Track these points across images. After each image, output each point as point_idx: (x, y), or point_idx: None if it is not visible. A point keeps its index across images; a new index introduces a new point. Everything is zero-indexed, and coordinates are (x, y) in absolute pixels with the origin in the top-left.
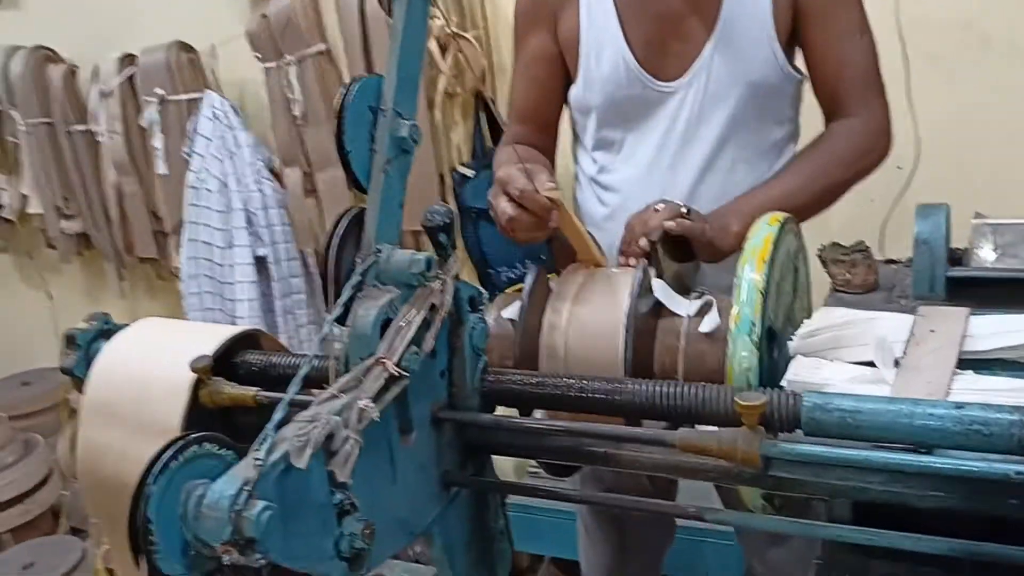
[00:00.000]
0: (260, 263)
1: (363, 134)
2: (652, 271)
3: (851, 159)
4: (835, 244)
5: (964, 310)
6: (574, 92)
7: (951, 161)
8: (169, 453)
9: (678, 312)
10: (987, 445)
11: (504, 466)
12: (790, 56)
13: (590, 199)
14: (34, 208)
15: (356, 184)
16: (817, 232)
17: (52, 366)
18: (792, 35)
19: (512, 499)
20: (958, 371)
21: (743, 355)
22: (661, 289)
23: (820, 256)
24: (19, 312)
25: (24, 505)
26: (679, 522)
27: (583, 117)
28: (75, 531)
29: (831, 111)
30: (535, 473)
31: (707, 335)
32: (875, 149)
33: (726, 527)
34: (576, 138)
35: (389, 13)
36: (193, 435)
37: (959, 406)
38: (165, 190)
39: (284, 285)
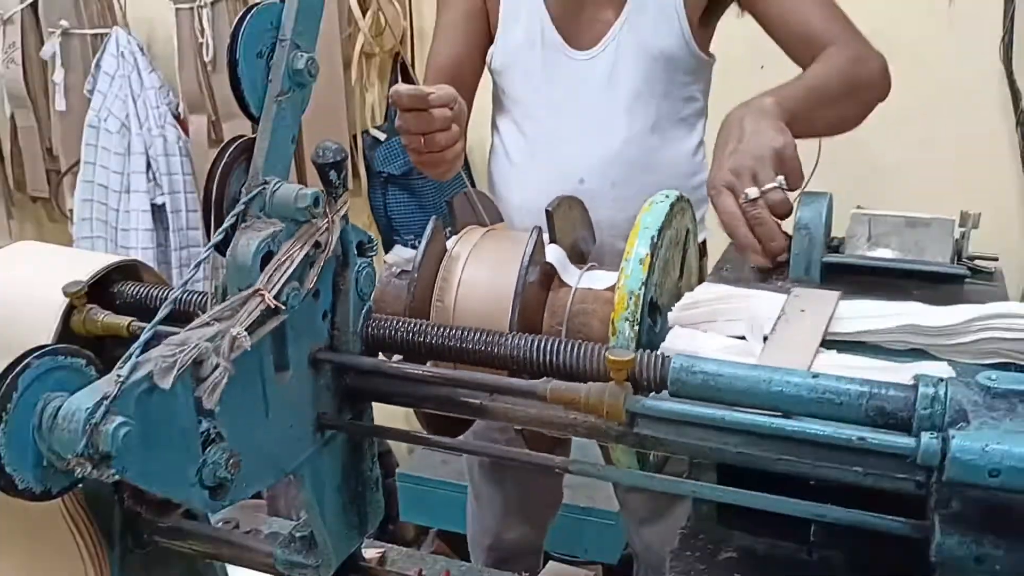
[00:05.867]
0: (158, 211)
1: (258, 64)
2: (546, 236)
3: (852, 58)
4: None
5: (835, 293)
6: (493, 51)
7: (850, 161)
8: (27, 360)
9: (568, 282)
10: (838, 414)
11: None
12: (700, 36)
13: (502, 160)
14: None
15: (247, 114)
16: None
17: None
18: (707, 13)
19: (402, 471)
20: (822, 349)
21: (624, 325)
22: (555, 255)
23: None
24: None
25: None
26: (565, 500)
27: (501, 78)
28: None
29: (811, 58)
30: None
31: (592, 306)
32: (871, 56)
33: (610, 508)
34: (495, 103)
35: None
36: (54, 345)
37: (814, 375)
38: (63, 127)
39: (182, 236)
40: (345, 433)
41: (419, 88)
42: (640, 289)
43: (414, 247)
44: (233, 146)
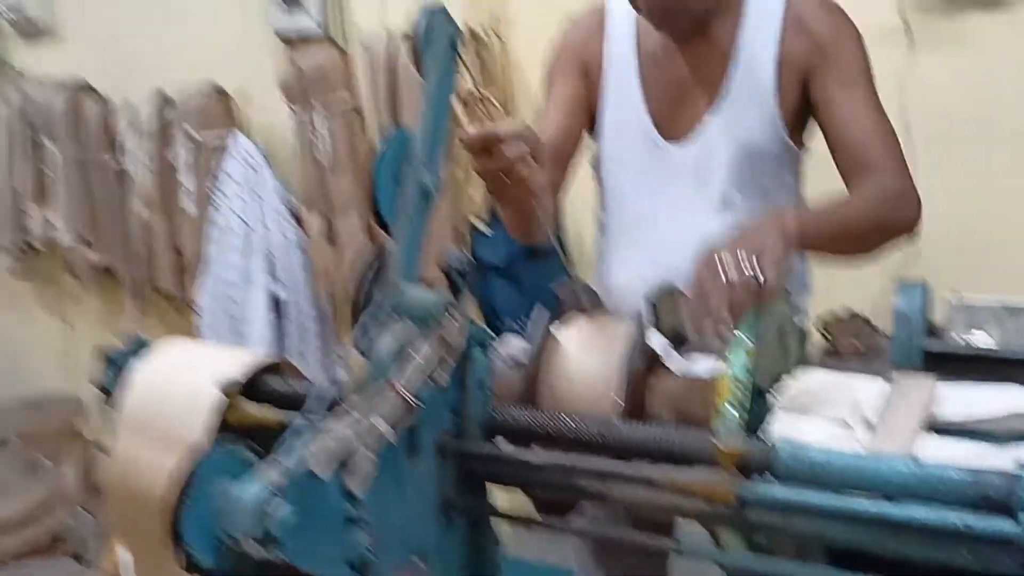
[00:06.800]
0: (277, 304)
1: (392, 182)
2: (648, 321)
3: (888, 197)
4: (846, 317)
5: (935, 380)
6: (592, 145)
7: (949, 241)
8: (208, 454)
9: (671, 368)
10: (943, 499)
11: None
12: (796, 128)
13: (603, 252)
14: (62, 238)
15: (382, 226)
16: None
17: (63, 392)
18: (799, 112)
19: (508, 553)
20: (925, 434)
21: (729, 410)
22: (659, 342)
23: (826, 327)
24: (35, 338)
25: (27, 529)
26: None
27: (600, 171)
28: (75, 557)
29: (858, 179)
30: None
31: (696, 393)
32: (908, 197)
33: None
34: (598, 203)
35: (419, 71)
36: (224, 436)
37: (919, 464)
38: (190, 227)
39: (299, 329)
40: (468, 516)
41: (486, 127)
42: (744, 375)
43: (515, 332)
44: (372, 255)
